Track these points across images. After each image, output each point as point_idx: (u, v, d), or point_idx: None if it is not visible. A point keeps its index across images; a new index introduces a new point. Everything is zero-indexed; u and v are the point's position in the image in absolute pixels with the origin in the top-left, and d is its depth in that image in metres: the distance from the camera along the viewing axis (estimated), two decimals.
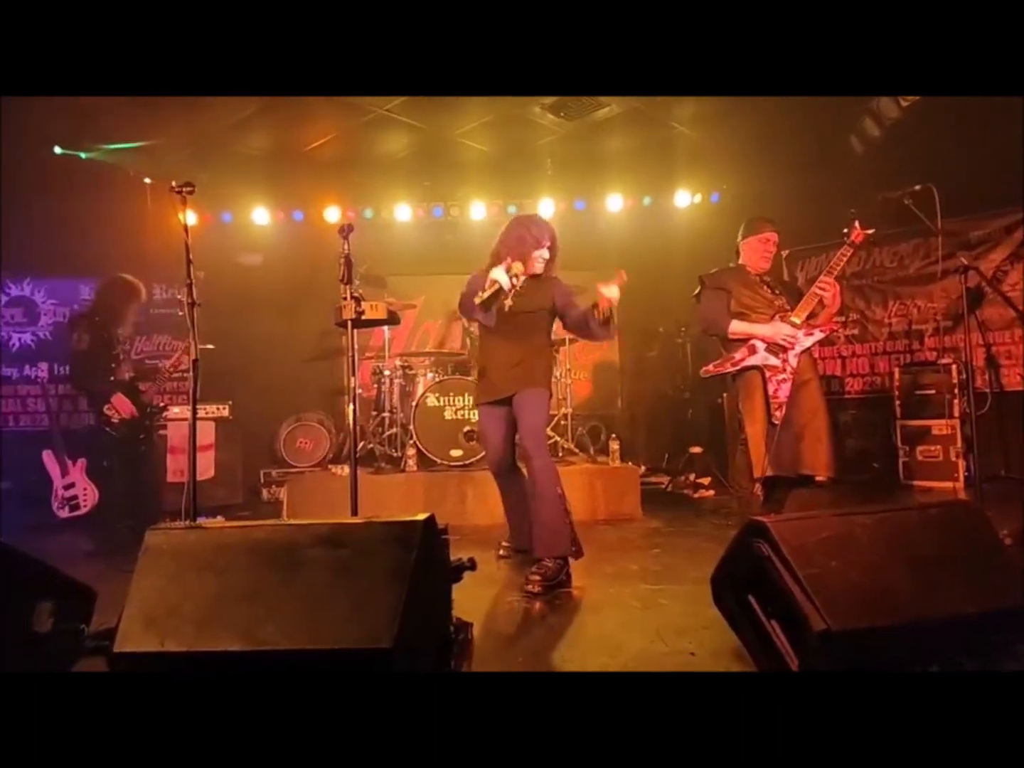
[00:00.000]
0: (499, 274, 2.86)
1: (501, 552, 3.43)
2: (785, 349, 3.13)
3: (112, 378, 4.14)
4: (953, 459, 4.95)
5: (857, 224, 3.13)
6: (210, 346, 4.18)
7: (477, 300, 2.90)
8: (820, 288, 3.13)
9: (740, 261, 3.38)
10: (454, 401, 4.76)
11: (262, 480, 5.83)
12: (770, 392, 3.11)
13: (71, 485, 4.88)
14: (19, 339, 5.79)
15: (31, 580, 1.98)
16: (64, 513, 4.83)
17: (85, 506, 4.87)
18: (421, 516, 1.71)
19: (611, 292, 2.83)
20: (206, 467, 5.32)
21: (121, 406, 4.09)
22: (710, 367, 3.27)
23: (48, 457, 4.90)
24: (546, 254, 3.12)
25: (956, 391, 5.00)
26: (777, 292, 3.27)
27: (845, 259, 3.16)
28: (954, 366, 5.06)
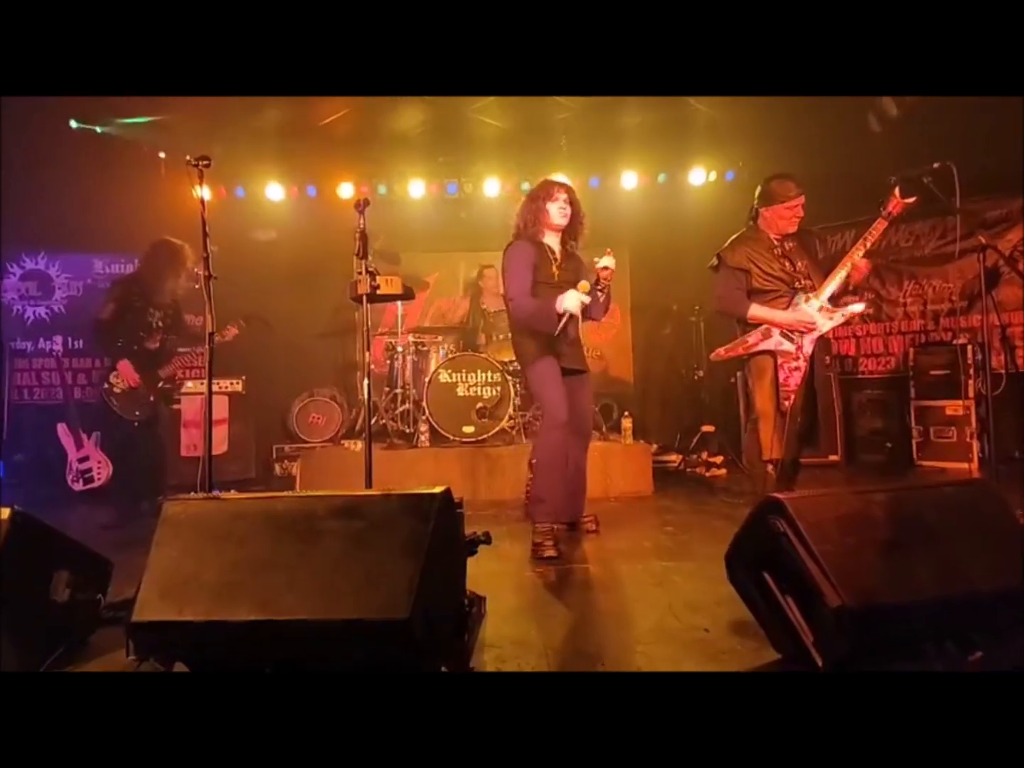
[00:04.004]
0: (572, 303, 2.87)
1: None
2: (803, 334, 3.08)
3: (136, 347, 4.06)
4: (967, 440, 4.91)
5: (897, 192, 2.93)
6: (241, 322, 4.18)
7: (557, 332, 2.93)
8: (850, 268, 3.01)
9: (761, 227, 3.20)
10: (467, 378, 4.76)
11: (275, 455, 5.87)
12: (780, 379, 3.06)
13: (85, 458, 4.94)
14: (34, 312, 5.83)
15: (50, 549, 2.02)
16: (79, 486, 4.90)
17: (99, 479, 4.94)
18: (438, 489, 1.72)
19: (608, 261, 3.00)
20: (219, 441, 5.36)
21: (126, 374, 4.01)
22: (721, 351, 3.23)
23: (63, 430, 4.96)
24: (563, 204, 3.12)
25: (971, 372, 4.95)
26: (799, 265, 3.14)
27: (879, 232, 2.99)
28: (969, 347, 5.01)
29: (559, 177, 3.24)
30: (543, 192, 3.15)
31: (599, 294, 3.09)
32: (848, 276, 3.05)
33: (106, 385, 4.07)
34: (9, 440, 5.51)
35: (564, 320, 2.92)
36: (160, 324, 4.16)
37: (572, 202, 3.16)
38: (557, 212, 3.12)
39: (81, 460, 4.94)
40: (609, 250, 3.05)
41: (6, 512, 1.88)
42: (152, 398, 4.16)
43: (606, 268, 3.02)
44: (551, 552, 2.92)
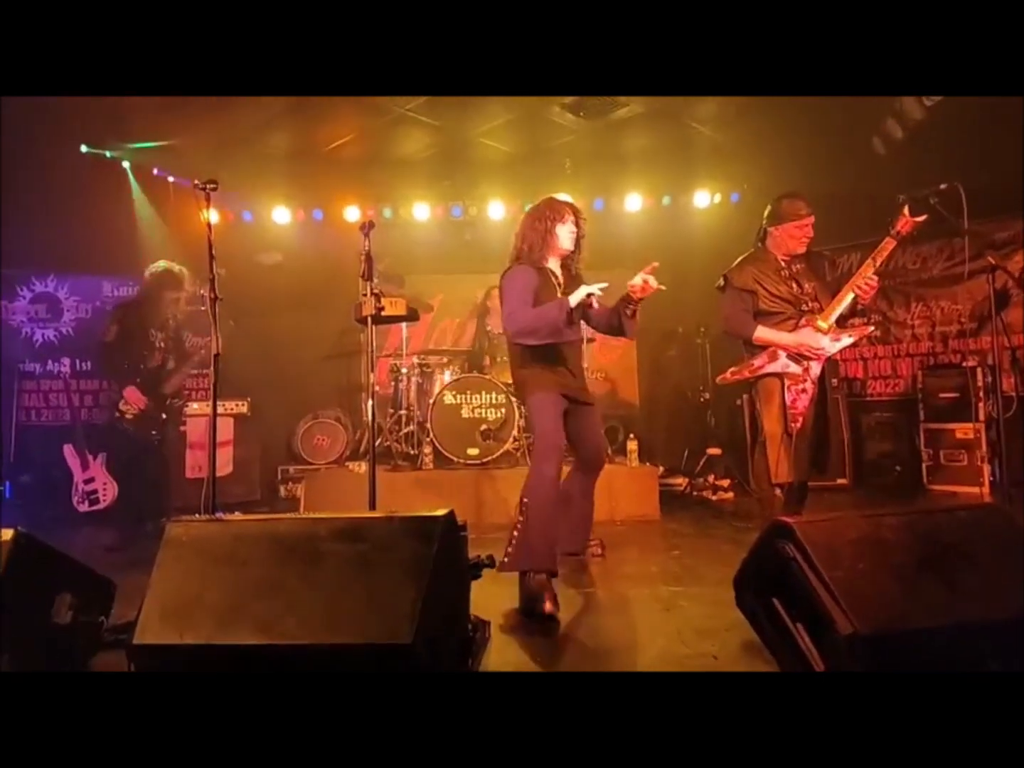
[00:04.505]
0: (583, 291, 2.72)
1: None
2: (809, 358, 3.06)
3: (141, 366, 4.12)
4: (978, 463, 4.86)
5: (906, 210, 2.87)
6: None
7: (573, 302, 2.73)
8: (858, 288, 2.98)
9: (768, 247, 3.17)
10: (471, 399, 4.74)
11: (279, 477, 5.85)
12: (788, 401, 3.02)
13: (91, 479, 4.93)
14: (42, 335, 5.86)
15: (53, 571, 2.00)
16: (84, 507, 4.88)
17: (105, 500, 4.93)
18: (441, 511, 1.70)
19: (640, 279, 2.72)
20: (224, 463, 5.35)
21: (133, 399, 4.06)
22: (727, 375, 3.20)
23: (69, 451, 4.96)
24: (572, 227, 2.94)
25: (981, 394, 4.91)
26: (806, 287, 3.11)
27: (887, 252, 2.94)
28: (979, 369, 4.98)
29: (564, 196, 3.02)
30: (552, 213, 2.93)
31: (628, 310, 2.86)
32: (856, 297, 3.03)
33: (117, 413, 4.12)
34: (16, 461, 5.52)
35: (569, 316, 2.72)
36: (162, 344, 4.22)
37: (579, 224, 2.98)
38: (567, 236, 2.92)
39: (87, 481, 4.93)
40: (655, 264, 2.77)
41: (9, 534, 1.87)
42: (163, 416, 4.21)
43: (643, 287, 2.73)
44: (550, 606, 2.52)
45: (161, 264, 4.24)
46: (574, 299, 2.74)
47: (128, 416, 4.08)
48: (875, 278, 2.99)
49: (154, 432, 4.15)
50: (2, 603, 1.75)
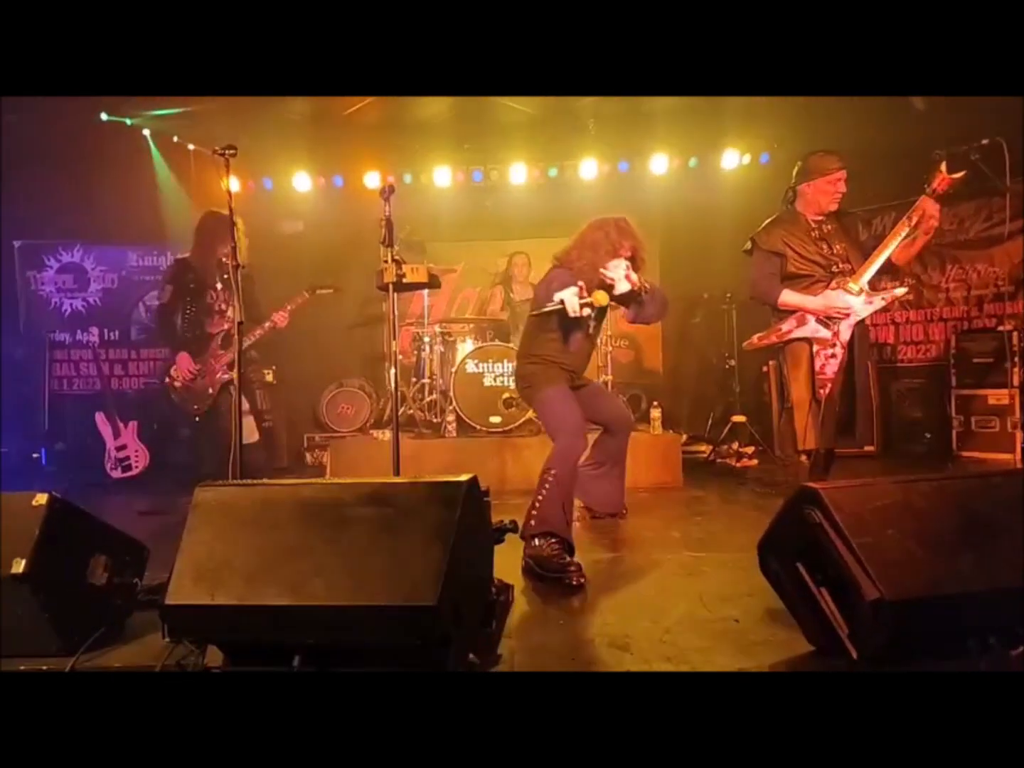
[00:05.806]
0: (568, 296, 2.58)
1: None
2: (839, 320, 2.98)
3: (197, 332, 3.84)
4: (1010, 430, 4.76)
5: (943, 167, 2.77)
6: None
7: (533, 312, 2.80)
8: (892, 247, 2.90)
9: (798, 208, 3.10)
10: (493, 368, 4.74)
11: (305, 444, 5.94)
12: (816, 367, 2.98)
13: (123, 447, 5.06)
14: (70, 305, 5.95)
15: (87, 534, 2.05)
16: (117, 473, 5.02)
17: (137, 467, 5.06)
18: (464, 476, 1.70)
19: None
20: (251, 431, 5.43)
21: (183, 367, 3.81)
22: (754, 339, 3.15)
23: (100, 420, 5.08)
24: (623, 266, 2.78)
25: (1016, 359, 4.79)
26: (836, 248, 3.03)
27: (922, 212, 2.84)
28: (1015, 333, 4.84)
29: (629, 223, 2.92)
30: (610, 245, 2.84)
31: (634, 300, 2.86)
32: (896, 253, 2.92)
33: (167, 379, 3.90)
34: (50, 429, 5.66)
35: (550, 308, 2.66)
36: (223, 307, 3.89)
37: (636, 260, 2.88)
38: (615, 275, 2.76)
39: (119, 448, 5.06)
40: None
41: (44, 498, 1.92)
42: (211, 391, 3.87)
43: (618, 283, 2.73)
44: (579, 579, 2.51)
45: (208, 211, 3.93)
46: (560, 294, 2.63)
47: (176, 384, 3.86)
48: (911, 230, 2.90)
49: (196, 407, 3.87)
50: (39, 564, 1.81)
